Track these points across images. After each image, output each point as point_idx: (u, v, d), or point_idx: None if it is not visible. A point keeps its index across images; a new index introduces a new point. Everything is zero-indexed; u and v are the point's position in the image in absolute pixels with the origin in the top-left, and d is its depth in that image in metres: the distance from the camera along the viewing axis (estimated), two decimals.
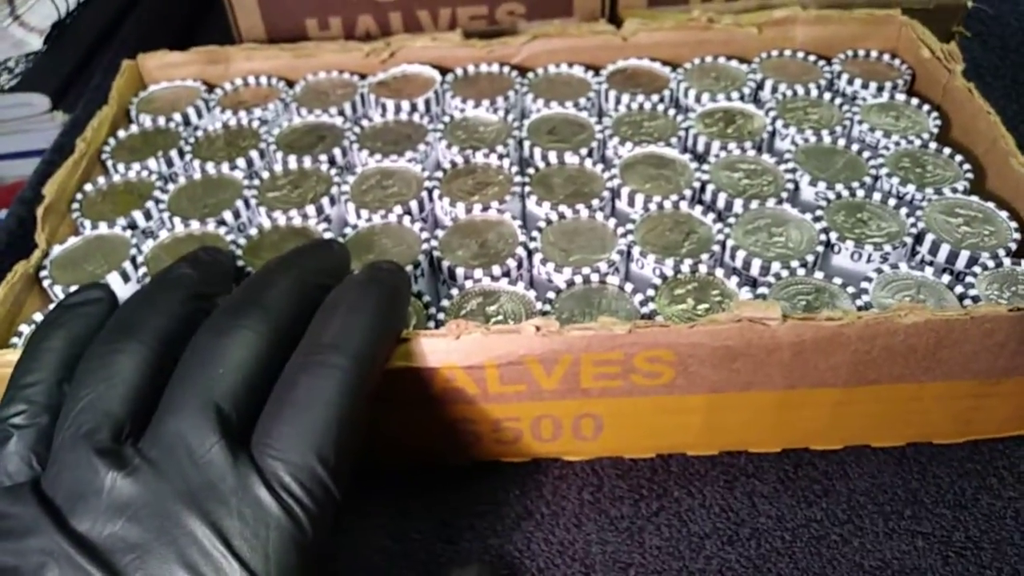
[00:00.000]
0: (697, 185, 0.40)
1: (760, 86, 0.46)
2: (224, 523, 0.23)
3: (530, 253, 0.37)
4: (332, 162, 0.43)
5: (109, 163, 0.44)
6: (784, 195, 0.39)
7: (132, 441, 0.24)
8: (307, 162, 0.43)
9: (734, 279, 0.35)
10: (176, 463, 0.23)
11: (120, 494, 0.23)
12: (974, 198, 0.38)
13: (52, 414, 0.25)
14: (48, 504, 0.23)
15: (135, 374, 0.25)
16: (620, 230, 0.37)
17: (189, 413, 0.24)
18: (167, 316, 0.27)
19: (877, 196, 0.39)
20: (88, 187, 0.42)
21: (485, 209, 0.39)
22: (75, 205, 0.41)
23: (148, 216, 0.40)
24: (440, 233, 0.38)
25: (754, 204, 0.38)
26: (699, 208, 0.39)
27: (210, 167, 0.43)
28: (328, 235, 0.38)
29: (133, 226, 0.40)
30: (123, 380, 0.25)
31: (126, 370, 0.25)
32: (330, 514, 0.24)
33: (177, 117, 0.46)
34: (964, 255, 0.36)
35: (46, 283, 0.37)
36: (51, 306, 0.31)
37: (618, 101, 0.46)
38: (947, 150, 0.41)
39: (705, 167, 0.41)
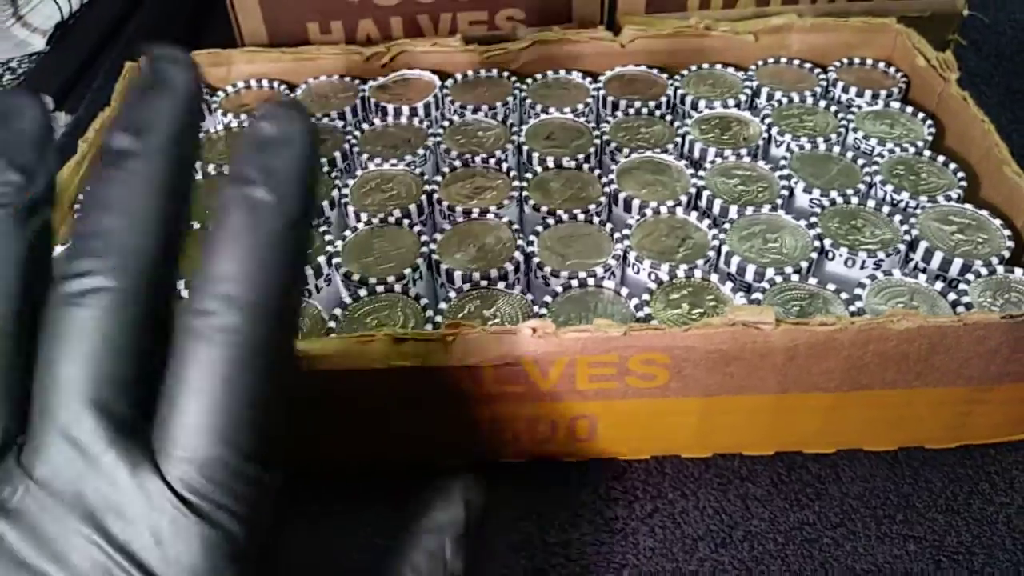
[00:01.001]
0: (693, 191, 0.40)
1: (756, 93, 0.47)
2: (141, 555, 0.19)
3: (527, 257, 0.37)
4: (332, 165, 0.43)
5: None
6: (779, 201, 0.39)
7: (15, 458, 0.19)
8: None
9: (729, 284, 0.36)
10: (67, 481, 0.19)
11: (11, 539, 0.18)
12: (968, 206, 0.39)
13: None
14: None
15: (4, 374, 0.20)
16: (616, 235, 0.38)
17: (70, 417, 0.19)
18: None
19: (871, 203, 0.39)
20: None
21: (483, 213, 0.39)
22: (77, 206, 0.41)
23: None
24: (439, 236, 0.38)
25: (749, 210, 0.39)
26: (695, 214, 0.39)
27: (211, 169, 0.43)
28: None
29: None
30: None
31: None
32: (264, 506, 0.20)
33: None
34: (957, 262, 0.36)
35: None
36: None
37: (615, 107, 0.46)
38: (941, 158, 0.42)
39: (701, 173, 0.41)
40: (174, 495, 0.19)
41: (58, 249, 0.38)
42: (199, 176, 0.43)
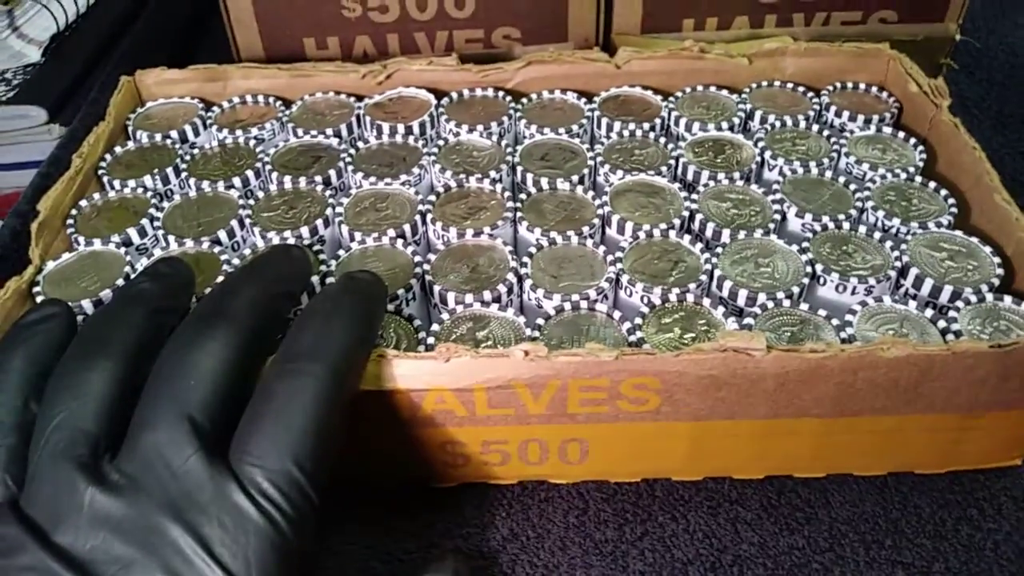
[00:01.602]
0: (686, 214, 0.41)
1: (750, 116, 0.47)
2: (204, 531, 0.23)
3: (520, 279, 0.37)
4: (327, 183, 0.43)
5: (105, 179, 0.44)
6: (771, 226, 0.40)
7: (109, 457, 0.24)
8: (302, 183, 0.43)
9: (721, 309, 0.36)
10: (154, 476, 0.24)
11: (100, 508, 0.23)
12: (958, 233, 0.39)
13: (21, 434, 0.25)
14: (29, 522, 0.23)
15: (106, 390, 0.25)
16: (609, 257, 0.38)
17: (164, 426, 0.24)
18: (132, 331, 0.27)
19: (863, 229, 0.40)
20: (83, 203, 0.42)
21: (477, 234, 0.39)
22: (70, 221, 0.41)
23: (143, 233, 0.40)
24: (432, 257, 0.39)
25: (741, 234, 0.39)
26: (687, 237, 0.39)
27: (206, 185, 0.43)
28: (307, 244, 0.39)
29: (128, 243, 0.40)
30: (95, 397, 0.25)
31: (97, 387, 0.25)
32: (310, 519, 0.25)
33: (174, 134, 0.47)
34: (947, 289, 0.36)
35: (39, 299, 0.37)
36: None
37: (610, 128, 0.46)
38: (932, 184, 0.42)
39: (694, 196, 0.41)
40: (243, 493, 0.24)
41: (50, 264, 0.38)
42: (193, 192, 0.43)
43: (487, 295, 0.36)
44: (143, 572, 0.22)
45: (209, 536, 0.23)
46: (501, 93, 0.49)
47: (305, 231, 0.40)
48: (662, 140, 0.46)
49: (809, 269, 0.37)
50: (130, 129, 0.48)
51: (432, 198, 0.42)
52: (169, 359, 0.26)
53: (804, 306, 0.36)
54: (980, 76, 0.62)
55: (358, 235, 0.40)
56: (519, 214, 0.41)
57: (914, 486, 0.36)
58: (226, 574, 0.23)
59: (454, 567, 0.29)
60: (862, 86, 0.49)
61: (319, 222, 0.40)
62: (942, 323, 0.35)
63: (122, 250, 0.40)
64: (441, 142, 0.46)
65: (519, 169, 0.44)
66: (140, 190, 0.43)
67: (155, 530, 0.23)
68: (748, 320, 0.35)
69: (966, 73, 0.62)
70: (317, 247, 0.40)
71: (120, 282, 0.37)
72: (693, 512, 0.36)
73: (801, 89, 0.49)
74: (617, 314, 0.36)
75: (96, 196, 0.43)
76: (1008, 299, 0.36)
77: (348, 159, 0.45)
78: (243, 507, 0.24)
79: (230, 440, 0.25)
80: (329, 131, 0.46)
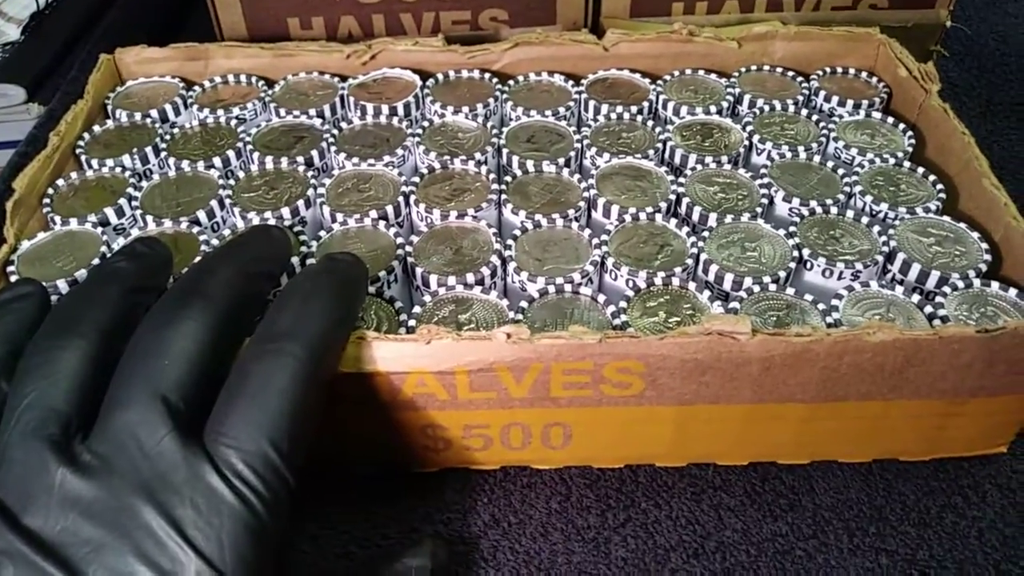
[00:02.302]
0: (673, 198, 0.40)
1: (738, 100, 0.47)
2: (177, 512, 0.23)
3: (504, 261, 0.37)
4: (309, 164, 0.43)
5: (83, 158, 0.43)
6: (758, 210, 0.39)
7: (81, 437, 0.24)
8: (284, 163, 0.42)
9: (706, 293, 0.35)
10: (126, 456, 0.23)
11: (71, 489, 0.23)
12: (946, 218, 0.39)
13: None
14: None
15: (78, 369, 0.25)
16: (595, 241, 0.37)
17: (136, 406, 0.24)
18: (106, 310, 0.26)
19: (850, 213, 0.39)
20: (60, 182, 0.41)
21: (461, 216, 0.39)
22: (46, 200, 0.40)
23: (120, 213, 0.40)
24: (415, 239, 0.38)
25: (728, 218, 0.39)
26: (674, 221, 0.39)
27: (185, 165, 0.42)
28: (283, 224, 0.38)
29: (105, 223, 0.39)
30: (66, 376, 0.24)
31: (69, 366, 0.25)
32: (285, 501, 0.24)
33: (154, 113, 0.46)
34: (935, 275, 0.36)
35: (13, 279, 0.36)
36: None
37: (597, 111, 0.46)
38: (921, 169, 0.42)
39: (681, 180, 0.41)
40: (217, 474, 0.23)
41: (25, 243, 0.38)
42: (172, 172, 0.42)
43: (470, 278, 0.36)
44: (114, 554, 0.22)
45: (182, 518, 0.23)
46: (487, 75, 0.48)
47: (286, 212, 0.39)
48: (649, 123, 0.45)
49: (796, 254, 0.37)
50: (109, 108, 0.47)
51: (416, 179, 0.41)
52: (143, 338, 0.25)
53: (790, 291, 0.35)
54: (970, 63, 0.62)
55: (340, 216, 0.39)
56: (504, 196, 0.40)
57: (899, 473, 0.36)
58: (199, 556, 0.22)
59: (432, 551, 0.29)
60: (851, 71, 0.49)
61: (300, 203, 0.40)
62: (929, 308, 0.35)
63: (99, 230, 0.39)
64: (426, 123, 0.45)
65: (504, 151, 0.43)
66: (118, 169, 0.43)
67: (127, 511, 0.22)
68: (734, 304, 0.35)
69: (956, 60, 0.62)
70: (298, 228, 0.39)
71: (96, 262, 0.37)
72: (676, 498, 0.35)
73: (790, 73, 0.48)
74: (602, 297, 0.35)
75: (73, 175, 0.42)
76: (995, 285, 0.36)
77: (331, 140, 0.44)
78: (217, 488, 0.23)
79: (205, 421, 0.25)
80: (312, 111, 0.46)
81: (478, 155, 0.42)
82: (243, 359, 0.26)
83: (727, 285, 0.36)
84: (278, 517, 0.24)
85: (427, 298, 0.35)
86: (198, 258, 0.37)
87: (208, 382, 0.25)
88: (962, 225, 0.38)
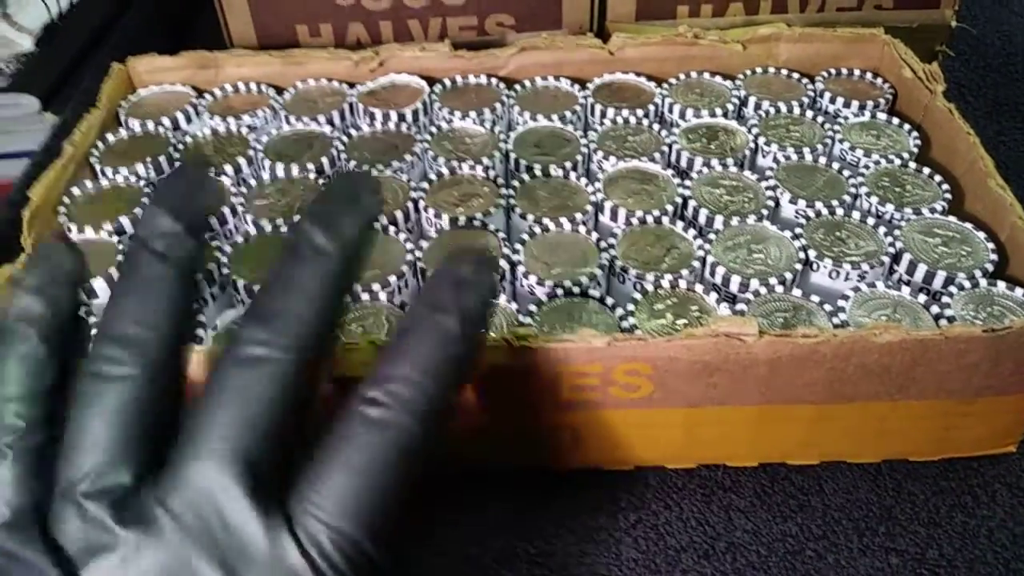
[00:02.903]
0: (679, 201, 0.40)
1: (744, 102, 0.47)
2: None
3: (513, 265, 0.37)
4: (319, 171, 0.43)
5: (97, 167, 0.44)
6: (764, 212, 0.39)
7: (152, 488, 0.21)
8: (295, 170, 0.43)
9: (713, 295, 0.36)
10: (201, 520, 0.20)
11: (139, 552, 0.20)
12: (952, 218, 0.39)
13: (44, 432, 0.22)
14: (58, 553, 0.20)
15: (136, 407, 0.21)
16: (602, 244, 0.38)
17: (216, 464, 0.21)
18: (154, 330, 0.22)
19: (856, 215, 0.39)
20: (75, 191, 0.42)
21: (470, 221, 0.39)
22: (62, 209, 0.41)
23: (136, 222, 0.40)
24: (424, 244, 0.38)
25: (735, 221, 0.39)
26: (681, 224, 0.39)
27: None
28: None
29: (120, 231, 0.40)
30: (126, 415, 0.21)
31: (127, 402, 0.21)
32: None
33: (166, 122, 0.46)
34: (941, 275, 0.36)
35: None
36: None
37: (603, 115, 0.46)
38: (926, 170, 0.42)
39: (688, 183, 0.41)
40: (303, 555, 0.20)
41: None
42: None
43: None
44: None
45: None
46: (494, 80, 0.49)
47: (297, 219, 0.40)
48: (656, 127, 0.45)
49: (802, 255, 0.37)
50: (122, 117, 0.48)
51: (425, 185, 0.42)
52: (222, 379, 0.22)
53: (797, 292, 0.36)
54: (976, 63, 0.62)
55: None
56: (512, 201, 0.41)
57: (908, 473, 0.36)
58: None
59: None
60: (856, 72, 0.49)
61: None
62: (935, 309, 0.35)
63: (114, 238, 0.39)
64: (434, 129, 0.46)
65: (512, 156, 0.43)
66: (132, 178, 0.43)
67: None
68: (741, 306, 0.35)
69: (962, 61, 0.62)
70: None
71: (112, 270, 0.37)
72: (687, 500, 0.35)
73: (795, 75, 0.49)
74: (610, 300, 0.35)
75: (88, 184, 0.43)
76: (1002, 284, 0.36)
77: (341, 146, 0.44)
78: (303, 570, 0.20)
79: (282, 480, 0.21)
80: (322, 118, 0.46)
81: (486, 160, 0.43)
82: (349, 421, 0.22)
83: (734, 287, 0.36)
84: None
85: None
86: (211, 265, 0.37)
87: (291, 432, 0.22)
88: (968, 225, 0.39)
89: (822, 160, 0.43)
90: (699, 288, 0.36)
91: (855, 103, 0.46)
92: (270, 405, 0.21)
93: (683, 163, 0.43)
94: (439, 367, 0.22)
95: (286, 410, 0.22)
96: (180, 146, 0.45)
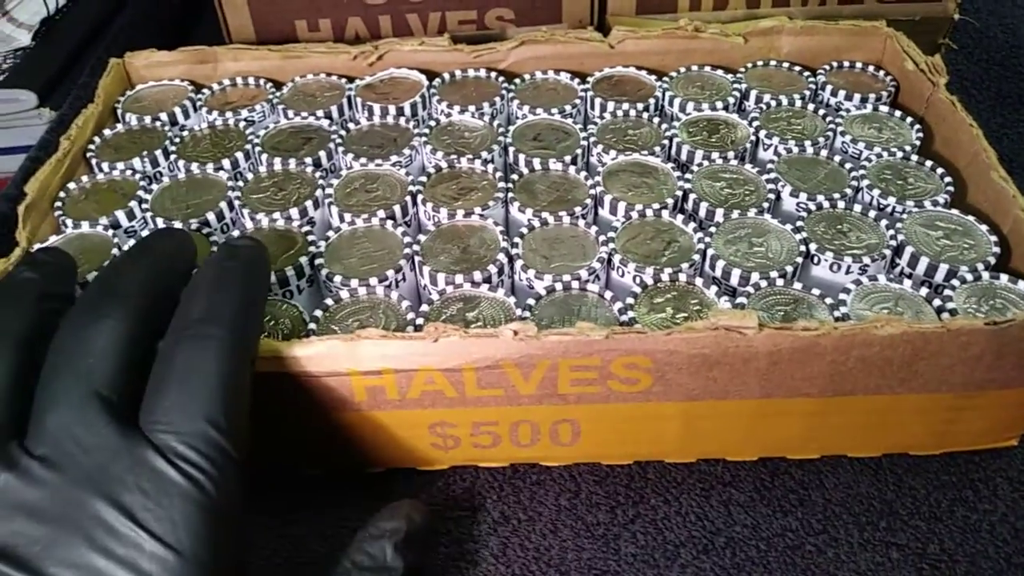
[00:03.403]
0: (679, 194, 0.40)
1: (745, 96, 0.47)
2: (125, 499, 0.23)
3: (511, 259, 0.37)
4: (317, 165, 0.43)
5: (94, 161, 0.44)
6: (765, 205, 0.39)
7: (16, 443, 0.24)
8: (292, 164, 0.43)
9: (713, 288, 0.35)
10: (66, 453, 0.23)
11: (14, 493, 0.23)
12: (954, 211, 0.39)
13: None
14: None
15: (3, 379, 0.25)
16: (602, 238, 0.38)
17: (70, 404, 0.24)
18: (22, 319, 0.26)
19: (858, 208, 0.39)
20: (72, 185, 0.42)
21: (468, 214, 0.39)
22: (58, 203, 0.41)
23: (131, 216, 0.40)
24: (422, 238, 0.38)
25: (735, 214, 0.39)
26: (681, 217, 0.39)
27: (195, 167, 0.43)
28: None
29: (116, 225, 0.40)
30: None
31: None
32: (233, 476, 0.25)
33: (163, 116, 0.46)
34: (943, 268, 0.36)
35: None
36: None
37: (603, 109, 0.46)
38: (929, 163, 0.42)
39: (688, 176, 0.41)
40: (161, 458, 0.24)
41: (37, 247, 0.38)
42: (182, 175, 0.43)
43: (477, 276, 0.36)
44: (67, 548, 0.22)
45: (131, 503, 0.23)
46: (494, 74, 0.48)
47: (295, 212, 0.39)
48: (656, 120, 0.45)
49: (803, 248, 0.37)
50: (119, 112, 0.47)
51: (423, 179, 0.41)
52: (65, 340, 0.26)
53: (798, 285, 0.35)
54: (979, 56, 0.62)
55: (348, 216, 0.39)
56: (511, 194, 0.40)
57: (909, 467, 0.36)
58: (153, 537, 0.23)
59: (407, 513, 0.29)
60: (858, 65, 0.48)
61: (309, 203, 0.40)
62: (937, 302, 0.34)
63: (110, 232, 0.39)
64: (433, 123, 0.45)
65: (511, 149, 0.43)
66: (129, 172, 0.43)
67: (74, 506, 0.23)
68: (741, 300, 0.35)
69: (965, 53, 0.61)
70: (306, 228, 0.39)
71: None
72: (686, 494, 0.35)
73: (797, 68, 0.48)
74: (609, 294, 0.35)
75: (84, 178, 0.43)
76: (1004, 277, 0.35)
77: (339, 140, 0.44)
78: (162, 470, 0.23)
79: (138, 412, 0.25)
80: (320, 112, 0.46)
81: (485, 154, 0.43)
82: (165, 348, 0.26)
83: (734, 280, 0.36)
84: (228, 492, 0.24)
85: (435, 296, 0.36)
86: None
87: (136, 376, 0.25)
88: (970, 218, 0.38)
89: (823, 153, 0.43)
90: (699, 281, 0.36)
91: (857, 96, 0.46)
92: (110, 350, 0.25)
93: (683, 156, 0.43)
94: (229, 289, 0.28)
95: (126, 352, 0.25)
96: (177, 140, 0.45)
